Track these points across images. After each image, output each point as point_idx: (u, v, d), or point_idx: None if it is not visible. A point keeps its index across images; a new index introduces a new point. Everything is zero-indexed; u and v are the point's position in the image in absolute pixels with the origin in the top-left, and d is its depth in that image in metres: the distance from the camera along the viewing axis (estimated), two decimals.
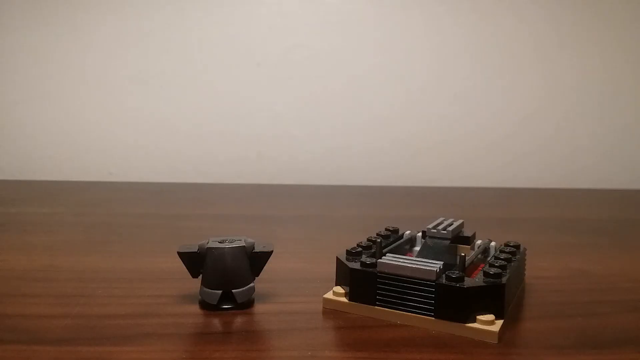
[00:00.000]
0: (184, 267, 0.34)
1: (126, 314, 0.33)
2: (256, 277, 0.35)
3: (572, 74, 0.87)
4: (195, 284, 0.35)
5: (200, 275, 0.34)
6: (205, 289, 0.33)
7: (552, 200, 0.76)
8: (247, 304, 0.34)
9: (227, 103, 0.85)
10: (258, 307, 0.34)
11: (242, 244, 0.34)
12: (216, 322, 0.32)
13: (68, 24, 0.82)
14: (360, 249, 0.36)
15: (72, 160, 0.84)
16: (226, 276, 0.33)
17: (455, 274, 0.31)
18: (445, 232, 0.38)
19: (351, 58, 0.85)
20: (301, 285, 0.38)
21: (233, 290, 0.33)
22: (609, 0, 0.86)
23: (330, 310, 0.34)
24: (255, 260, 0.34)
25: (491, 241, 0.40)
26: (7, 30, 0.82)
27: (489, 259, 0.36)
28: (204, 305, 0.34)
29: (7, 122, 0.84)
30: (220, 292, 0.33)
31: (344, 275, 0.34)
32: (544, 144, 0.88)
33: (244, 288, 0.34)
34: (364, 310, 0.33)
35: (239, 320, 0.32)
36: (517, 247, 0.38)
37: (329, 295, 0.35)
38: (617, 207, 0.72)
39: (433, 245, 0.37)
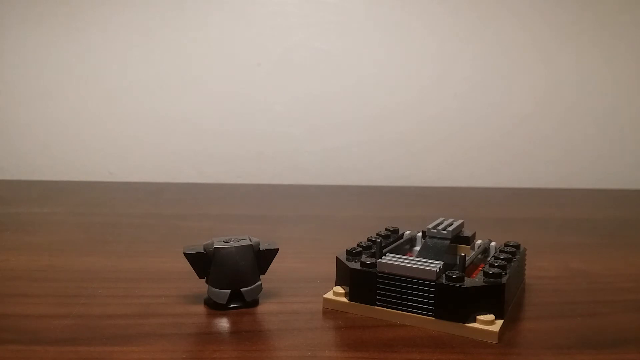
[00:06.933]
0: (184, 266, 0.34)
1: (126, 314, 0.33)
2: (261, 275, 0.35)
3: (571, 74, 0.87)
4: (195, 284, 0.35)
5: (206, 275, 0.34)
6: (213, 289, 0.33)
7: (552, 200, 0.75)
8: (254, 302, 0.34)
9: (227, 103, 0.85)
10: (258, 307, 0.34)
11: (249, 242, 0.34)
12: (216, 322, 0.32)
13: (68, 24, 0.82)
14: (360, 249, 0.36)
15: (72, 160, 0.84)
16: (235, 275, 0.33)
17: (455, 274, 0.31)
18: (445, 232, 0.38)
19: (351, 58, 0.85)
20: (301, 285, 0.38)
21: (242, 289, 0.33)
22: (609, 0, 0.86)
23: (330, 310, 0.34)
24: (262, 258, 0.34)
25: (491, 241, 0.40)
26: (7, 30, 0.82)
27: (489, 259, 0.36)
28: (213, 305, 0.34)
29: (7, 122, 0.84)
30: (229, 291, 0.33)
31: (344, 275, 0.34)
32: (543, 143, 0.88)
33: (252, 286, 0.34)
34: (364, 310, 0.33)
35: (239, 320, 0.32)
36: (517, 247, 0.38)
37: (329, 295, 0.35)
38: (617, 207, 0.72)
39: (433, 245, 0.37)
